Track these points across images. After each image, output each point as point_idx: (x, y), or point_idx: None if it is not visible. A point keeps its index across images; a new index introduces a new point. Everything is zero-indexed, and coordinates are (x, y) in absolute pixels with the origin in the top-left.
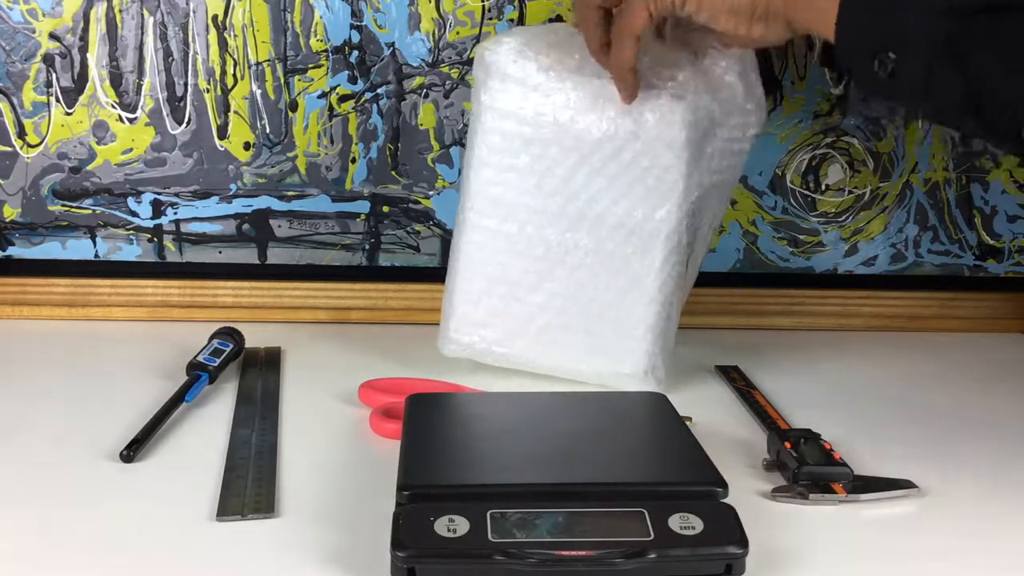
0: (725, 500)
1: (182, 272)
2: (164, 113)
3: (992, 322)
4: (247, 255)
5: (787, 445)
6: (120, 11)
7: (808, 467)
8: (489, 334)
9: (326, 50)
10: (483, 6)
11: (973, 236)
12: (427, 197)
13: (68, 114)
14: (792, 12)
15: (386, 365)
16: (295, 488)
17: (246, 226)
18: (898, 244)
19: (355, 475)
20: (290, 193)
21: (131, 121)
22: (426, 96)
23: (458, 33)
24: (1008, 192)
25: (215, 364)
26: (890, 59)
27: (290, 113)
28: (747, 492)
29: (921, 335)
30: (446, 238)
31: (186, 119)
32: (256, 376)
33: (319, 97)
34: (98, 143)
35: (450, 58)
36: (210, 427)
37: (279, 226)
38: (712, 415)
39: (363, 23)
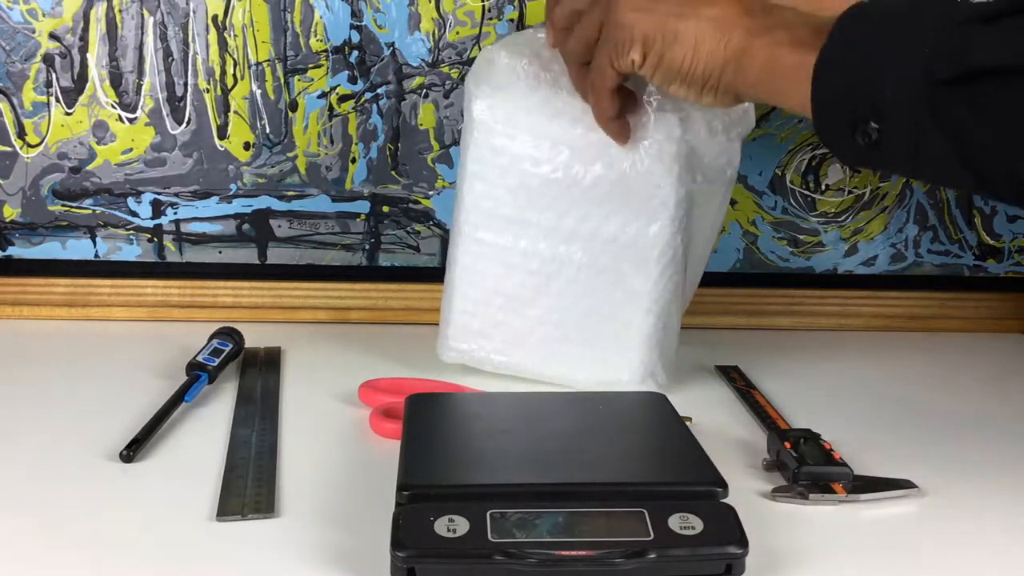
0: (725, 500)
1: (182, 272)
2: (164, 113)
3: (992, 322)
4: (247, 255)
5: (787, 445)
6: (120, 11)
7: (808, 467)
8: (487, 343)
9: (326, 50)
10: (483, 6)
11: (973, 236)
12: (427, 197)
13: (68, 114)
14: (754, 92)
15: (386, 365)
16: (295, 488)
17: (246, 226)
18: (898, 244)
19: (355, 475)
20: (290, 193)
21: (131, 121)
22: (426, 96)
23: (458, 33)
24: None
25: (215, 364)
26: (872, 128)
27: (290, 113)
28: (747, 492)
29: (921, 335)
30: (446, 238)
31: (186, 119)
32: (256, 376)
33: (319, 97)
34: (98, 143)
35: (450, 58)
36: (210, 427)
37: (279, 226)
38: (712, 415)
39: (363, 23)
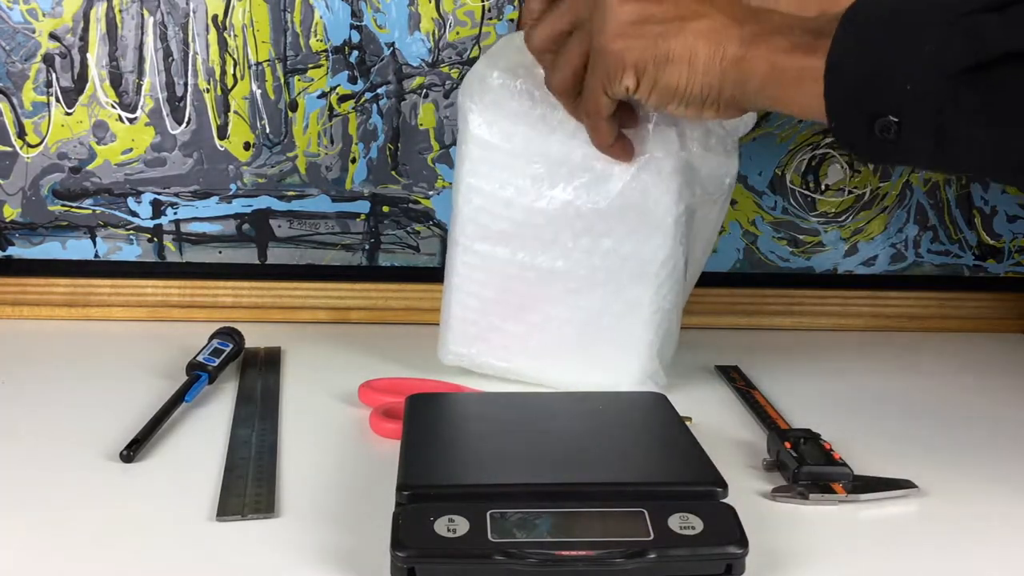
0: (725, 500)
1: (182, 272)
2: (164, 113)
3: (992, 322)
4: (247, 255)
5: (787, 445)
6: (120, 11)
7: (808, 467)
8: (486, 347)
9: (326, 50)
10: (483, 6)
11: (973, 236)
12: (427, 197)
13: (68, 114)
14: (758, 101)
15: (386, 365)
16: (295, 488)
17: (246, 226)
18: (898, 244)
19: (355, 475)
20: (290, 193)
21: (131, 121)
22: (426, 96)
23: (458, 33)
24: (1008, 192)
25: (215, 364)
26: (892, 123)
27: (290, 113)
28: (747, 492)
29: (921, 335)
30: (446, 238)
31: (186, 119)
32: (256, 376)
33: (319, 97)
34: (98, 143)
35: (450, 58)
36: (210, 427)
37: (279, 226)
38: (712, 415)
39: (363, 23)
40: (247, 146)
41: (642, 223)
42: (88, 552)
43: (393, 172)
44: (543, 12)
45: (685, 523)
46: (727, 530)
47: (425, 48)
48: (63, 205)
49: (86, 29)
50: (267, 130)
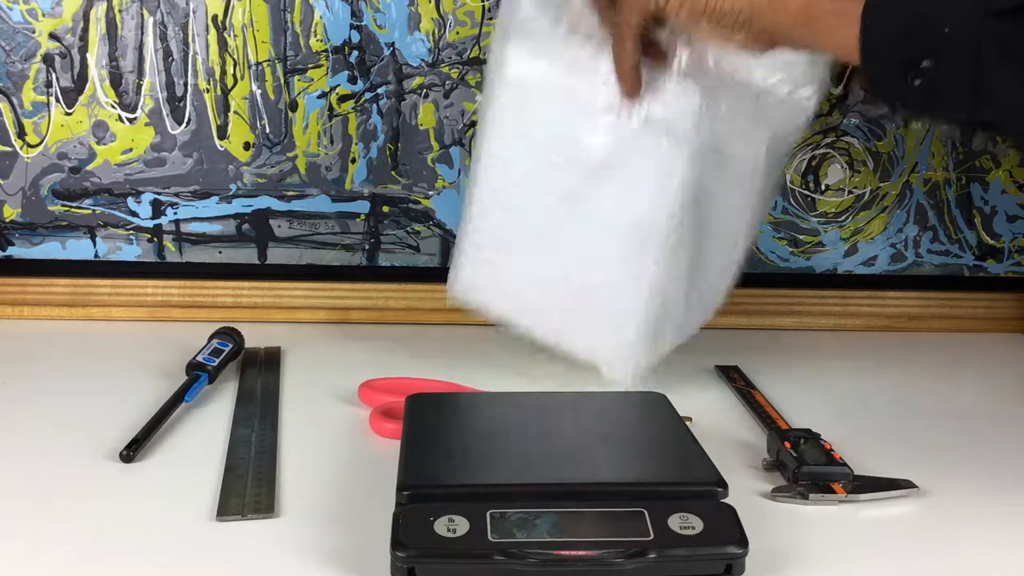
0: (725, 500)
1: (182, 272)
2: (164, 113)
3: (992, 322)
4: (247, 255)
5: (787, 445)
6: (120, 11)
7: (808, 467)
8: (490, 296)
9: (326, 50)
10: (483, 6)
11: (973, 236)
12: (427, 197)
13: (68, 114)
14: (790, 35)
15: (386, 365)
16: (295, 488)
17: (246, 226)
18: (898, 244)
19: (355, 475)
20: (290, 193)
21: (131, 121)
22: (426, 96)
23: (458, 33)
24: (1008, 192)
25: (215, 364)
26: (928, 67)
27: (290, 113)
28: (747, 492)
29: (921, 335)
30: (446, 238)
31: (186, 119)
32: (256, 376)
33: (319, 97)
34: (98, 143)
35: (450, 58)
36: (210, 427)
37: (279, 226)
38: (712, 415)
39: (363, 23)
40: (247, 146)
41: (650, 177)
42: (88, 552)
43: (393, 172)
44: None
45: (685, 523)
46: (727, 530)
47: (425, 48)
48: (63, 205)
49: (86, 29)
50: (267, 130)
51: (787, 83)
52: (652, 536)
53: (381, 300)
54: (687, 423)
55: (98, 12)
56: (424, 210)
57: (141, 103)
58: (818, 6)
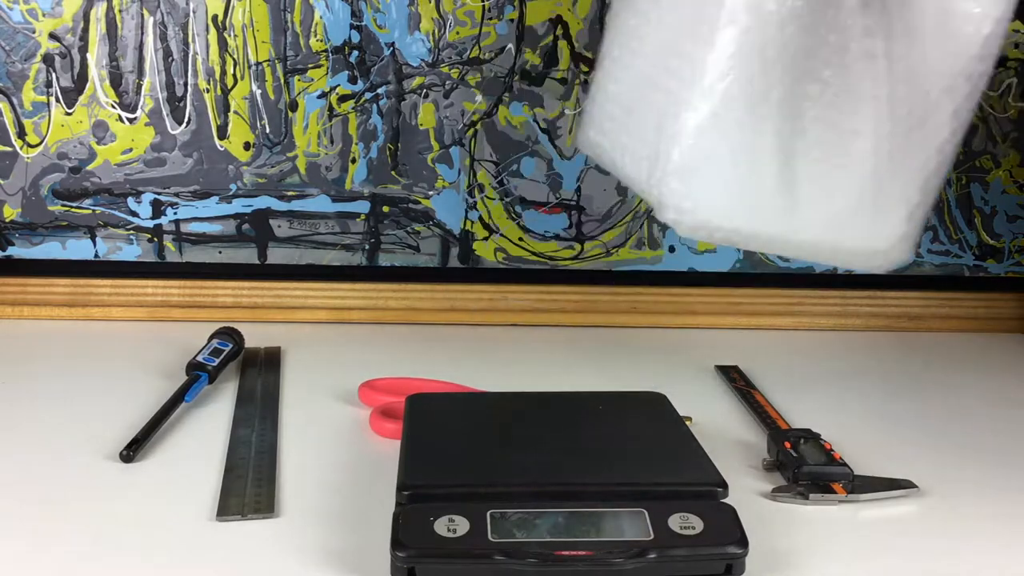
0: (725, 500)
1: (182, 272)
2: (164, 113)
3: (992, 322)
4: (247, 255)
5: (787, 445)
6: (120, 11)
7: (808, 467)
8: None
9: (326, 50)
10: (483, 6)
11: (973, 236)
12: (427, 197)
13: (68, 114)
14: None
15: (386, 365)
16: (295, 488)
17: (246, 226)
18: None
19: (355, 475)
20: (290, 193)
21: (131, 121)
22: (426, 96)
23: (458, 33)
24: (1008, 192)
25: (215, 364)
26: None
27: (290, 113)
28: (747, 492)
29: (921, 335)
30: (446, 238)
31: (186, 119)
32: (256, 376)
33: (319, 97)
34: (98, 143)
35: (450, 58)
36: (210, 427)
37: (279, 226)
38: (712, 415)
39: (363, 23)
40: (247, 146)
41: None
42: (88, 552)
43: (393, 172)
44: None
45: (685, 523)
46: (727, 530)
47: (425, 48)
48: (63, 205)
49: (86, 29)
50: (267, 130)
51: None
52: (652, 536)
53: (381, 300)
54: (687, 423)
55: (98, 12)
56: (424, 210)
57: (141, 103)
58: None
